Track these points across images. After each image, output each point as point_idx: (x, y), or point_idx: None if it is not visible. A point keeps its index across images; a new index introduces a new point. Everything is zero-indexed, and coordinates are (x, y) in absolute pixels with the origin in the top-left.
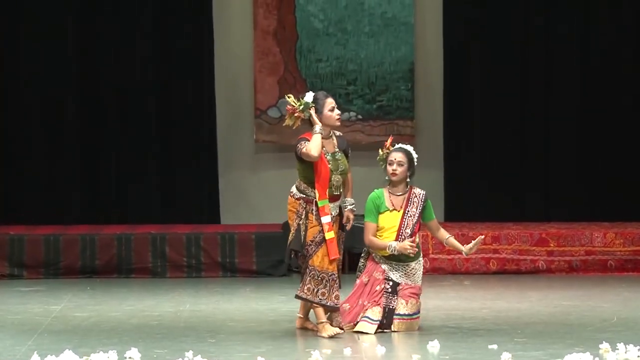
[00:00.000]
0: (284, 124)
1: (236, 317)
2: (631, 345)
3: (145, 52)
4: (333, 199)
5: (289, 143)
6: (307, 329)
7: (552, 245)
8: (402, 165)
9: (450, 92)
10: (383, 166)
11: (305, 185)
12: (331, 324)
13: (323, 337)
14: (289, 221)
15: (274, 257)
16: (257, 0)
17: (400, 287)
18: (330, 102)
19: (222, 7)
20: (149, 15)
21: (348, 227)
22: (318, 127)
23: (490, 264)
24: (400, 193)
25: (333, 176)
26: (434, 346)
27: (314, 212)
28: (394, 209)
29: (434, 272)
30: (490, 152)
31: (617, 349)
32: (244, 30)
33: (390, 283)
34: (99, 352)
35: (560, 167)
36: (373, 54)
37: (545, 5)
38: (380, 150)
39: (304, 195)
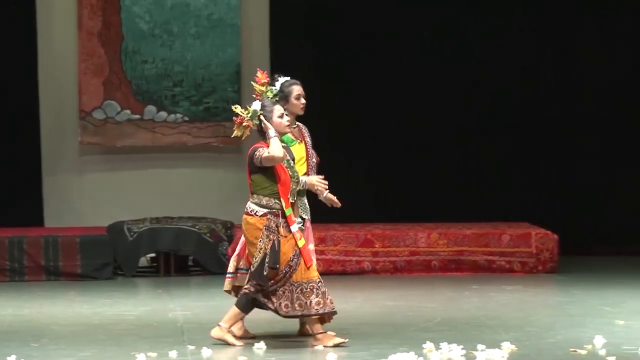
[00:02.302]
0: (232, 136)
1: (60, 320)
2: (454, 345)
3: None
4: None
5: (114, 145)
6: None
7: (377, 246)
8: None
9: None
10: (271, 97)
11: (268, 198)
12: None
13: (328, 346)
14: (252, 241)
15: (98, 260)
16: (82, 1)
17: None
18: (297, 89)
19: (46, 7)
20: None
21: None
22: (272, 131)
23: (317, 265)
24: (295, 126)
25: (292, 184)
26: (260, 347)
27: (282, 225)
28: (298, 140)
29: None
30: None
31: (441, 348)
32: (68, 31)
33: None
34: None
35: (384, 168)
36: (199, 55)
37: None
38: (258, 85)
39: (270, 210)
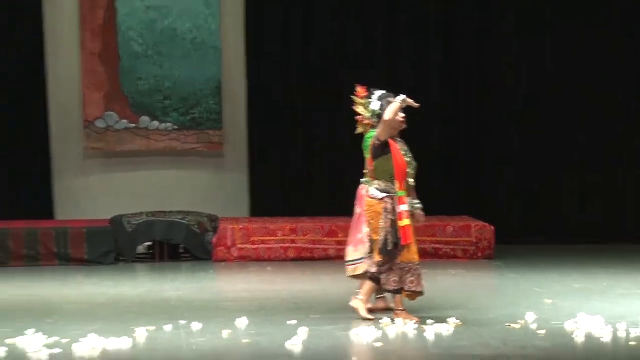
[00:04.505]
0: (356, 132)
1: (70, 300)
2: (409, 321)
3: None
4: (408, 192)
5: (114, 149)
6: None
7: (340, 235)
8: None
9: (253, 106)
10: (370, 113)
11: (386, 182)
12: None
13: (405, 321)
14: (372, 222)
15: (102, 248)
16: (84, 25)
17: None
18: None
19: (53, 31)
20: None
21: (419, 223)
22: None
23: (289, 252)
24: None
25: (408, 169)
26: (242, 322)
27: (397, 206)
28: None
29: (240, 260)
30: (287, 157)
31: (395, 323)
32: (73, 52)
33: None
34: None
35: (340, 168)
36: (185, 73)
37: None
38: (358, 99)
39: (388, 193)
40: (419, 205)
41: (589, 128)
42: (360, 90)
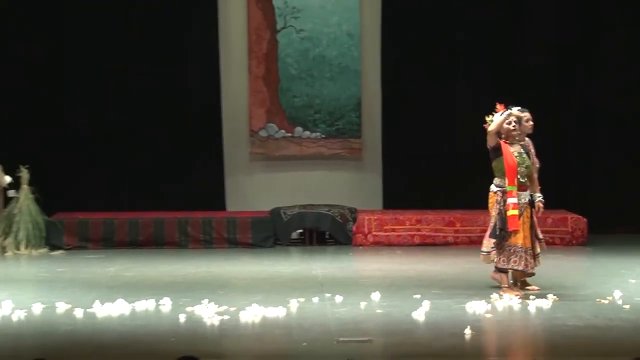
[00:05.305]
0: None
1: (238, 275)
2: (514, 296)
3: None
4: (521, 188)
5: (274, 154)
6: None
7: (457, 225)
8: None
9: (386, 119)
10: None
11: (500, 179)
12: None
13: (512, 297)
14: (490, 211)
15: (263, 234)
16: (251, 54)
17: None
18: (526, 115)
19: (226, 59)
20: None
21: (539, 214)
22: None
23: (414, 239)
24: (524, 141)
25: (519, 167)
26: (376, 296)
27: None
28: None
29: (375, 245)
30: (414, 160)
31: (503, 297)
32: (242, 75)
33: None
34: (142, 301)
35: (457, 169)
36: (332, 92)
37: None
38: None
39: (501, 188)
40: (540, 198)
41: None
42: (499, 107)
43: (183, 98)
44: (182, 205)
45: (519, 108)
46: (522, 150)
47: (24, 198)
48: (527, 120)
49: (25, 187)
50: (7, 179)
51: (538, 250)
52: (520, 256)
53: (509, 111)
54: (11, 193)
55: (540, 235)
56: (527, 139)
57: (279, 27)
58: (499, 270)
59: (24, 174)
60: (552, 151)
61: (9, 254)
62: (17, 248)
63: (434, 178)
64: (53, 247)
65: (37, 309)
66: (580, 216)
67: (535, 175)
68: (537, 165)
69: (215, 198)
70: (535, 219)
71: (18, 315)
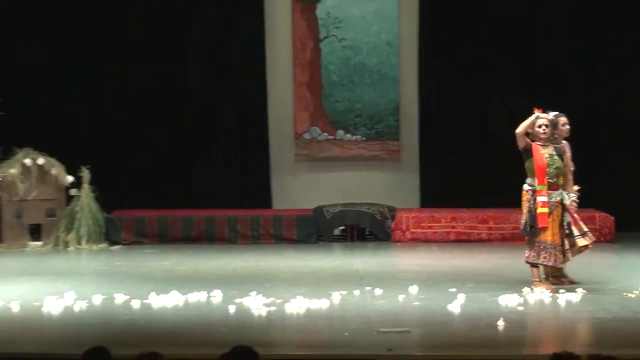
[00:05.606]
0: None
1: (284, 269)
2: (545, 290)
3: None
4: (552, 187)
5: (317, 155)
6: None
7: (490, 223)
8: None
9: (423, 123)
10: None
11: (531, 179)
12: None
13: (543, 290)
14: (523, 209)
15: (307, 230)
16: (296, 61)
17: None
18: (563, 120)
19: (273, 67)
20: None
21: (571, 212)
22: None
23: (450, 235)
24: (561, 144)
25: (548, 168)
26: (413, 289)
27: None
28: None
29: (412, 241)
30: (448, 162)
31: (534, 291)
32: (287, 82)
33: None
34: (194, 293)
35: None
36: (372, 97)
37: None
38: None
39: (532, 187)
40: (574, 198)
41: None
42: (537, 111)
43: (232, 104)
44: (233, 204)
45: (556, 113)
46: (553, 152)
47: (85, 196)
48: (563, 124)
49: (86, 186)
50: (70, 178)
51: (567, 246)
52: (550, 252)
53: (535, 115)
54: (73, 192)
55: (585, 228)
56: (564, 142)
57: (321, 36)
58: (530, 264)
59: (85, 173)
60: (581, 150)
61: (71, 248)
62: (79, 243)
63: (468, 178)
64: (112, 243)
65: (97, 299)
66: (607, 214)
67: (570, 177)
68: (572, 169)
69: (262, 197)
70: (576, 216)
71: (80, 306)
